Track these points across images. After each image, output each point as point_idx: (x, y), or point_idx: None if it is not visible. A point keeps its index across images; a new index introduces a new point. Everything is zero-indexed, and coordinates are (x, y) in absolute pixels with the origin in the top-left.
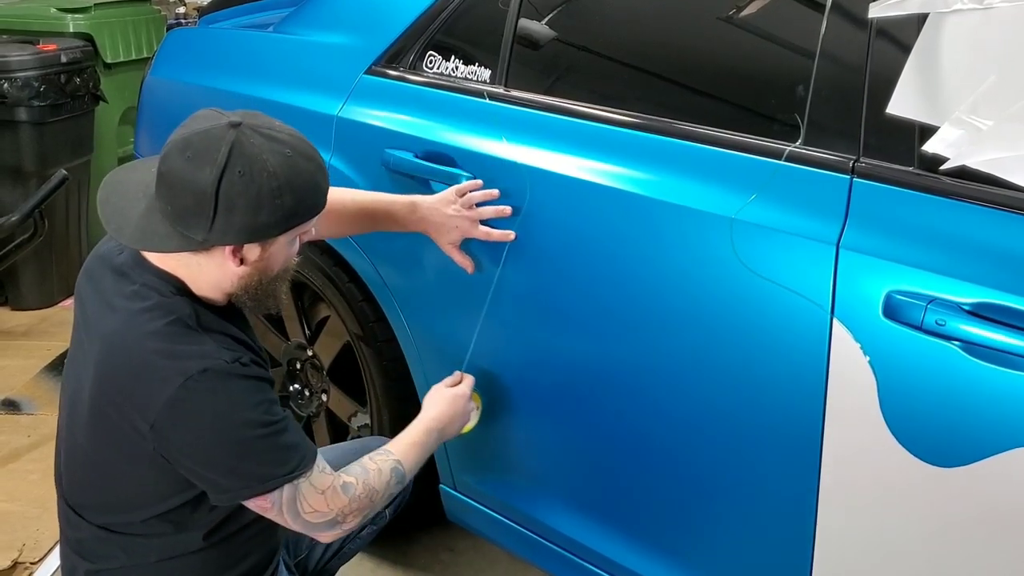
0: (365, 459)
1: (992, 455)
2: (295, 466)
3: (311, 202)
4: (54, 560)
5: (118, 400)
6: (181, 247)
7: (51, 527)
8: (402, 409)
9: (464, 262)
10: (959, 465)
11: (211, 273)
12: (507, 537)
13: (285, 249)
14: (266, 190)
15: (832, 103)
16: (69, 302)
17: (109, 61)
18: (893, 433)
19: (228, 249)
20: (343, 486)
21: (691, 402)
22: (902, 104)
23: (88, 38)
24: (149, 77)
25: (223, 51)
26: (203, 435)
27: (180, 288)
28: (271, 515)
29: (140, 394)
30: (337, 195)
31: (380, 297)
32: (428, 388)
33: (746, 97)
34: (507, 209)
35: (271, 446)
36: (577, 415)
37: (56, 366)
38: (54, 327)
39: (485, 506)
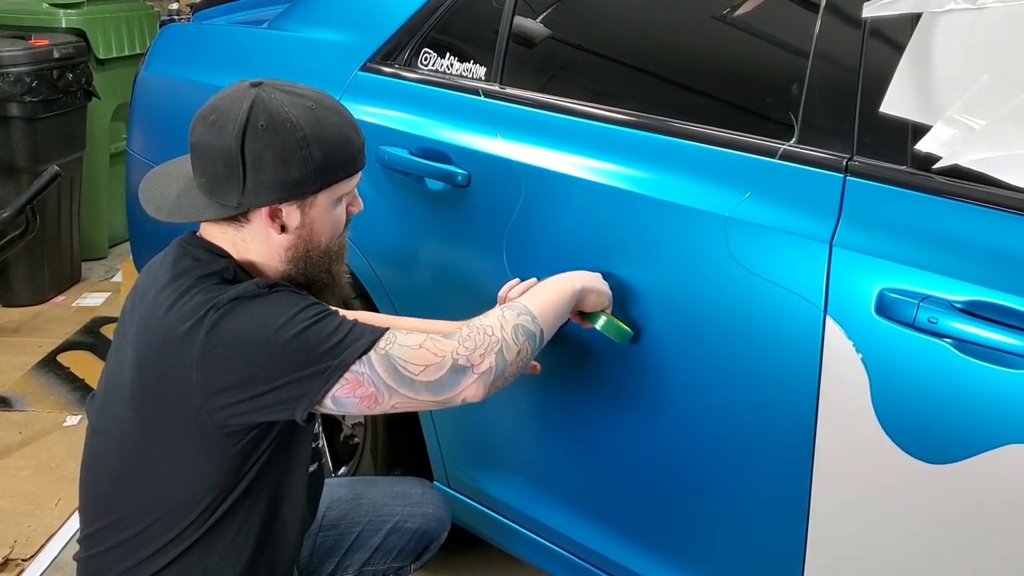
0: None
1: (983, 452)
2: (366, 338)
3: (343, 156)
4: (46, 557)
5: (158, 365)
6: (218, 214)
7: (43, 524)
8: (396, 421)
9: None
10: (951, 462)
11: (257, 248)
12: (502, 534)
13: (328, 214)
14: (291, 141)
15: (826, 102)
16: (61, 298)
17: (102, 57)
18: (885, 430)
19: (265, 213)
20: (445, 336)
21: (685, 398)
22: (895, 103)
23: (81, 34)
24: (142, 73)
25: (217, 47)
26: (250, 352)
27: (223, 254)
28: (383, 401)
29: (178, 345)
30: (386, 321)
31: (375, 295)
32: None
33: (741, 96)
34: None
35: (330, 329)
36: (571, 412)
37: (48, 362)
38: (46, 323)
39: (479, 503)
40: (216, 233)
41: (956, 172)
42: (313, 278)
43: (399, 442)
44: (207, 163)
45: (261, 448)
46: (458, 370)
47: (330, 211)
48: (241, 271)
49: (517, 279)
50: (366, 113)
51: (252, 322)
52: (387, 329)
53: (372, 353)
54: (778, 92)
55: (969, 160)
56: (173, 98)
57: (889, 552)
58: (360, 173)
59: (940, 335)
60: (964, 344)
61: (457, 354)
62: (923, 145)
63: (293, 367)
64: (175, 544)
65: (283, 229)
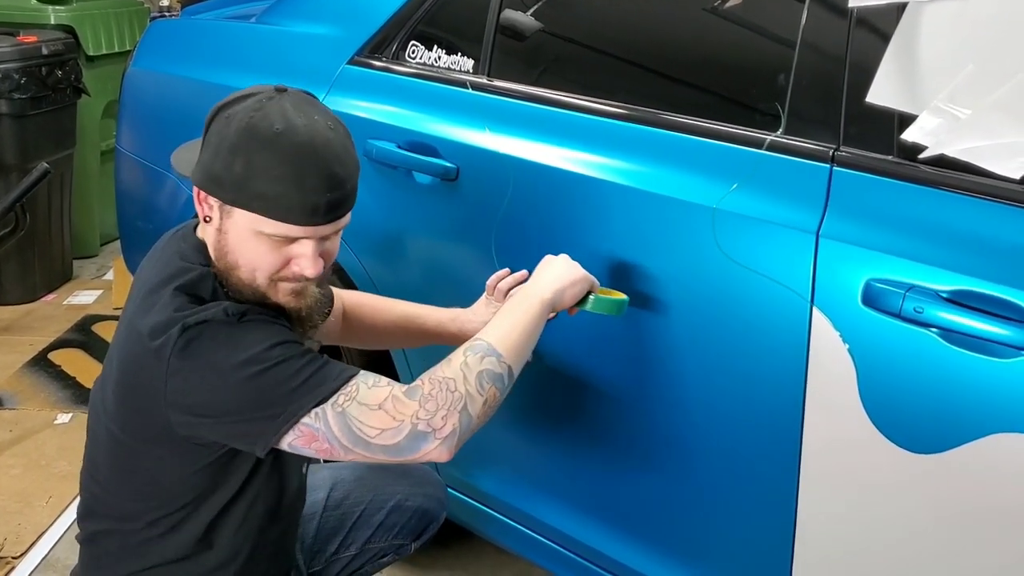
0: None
1: (970, 441)
2: (325, 386)
3: (271, 192)
4: (36, 554)
5: (135, 373)
6: (187, 168)
7: (33, 521)
8: None
9: None
10: (937, 452)
11: (207, 232)
12: (490, 527)
13: (247, 239)
14: (227, 142)
15: (812, 92)
16: (52, 296)
17: (92, 54)
18: (872, 420)
19: (196, 192)
20: (407, 392)
21: (673, 390)
22: (881, 93)
23: (70, 30)
24: (131, 69)
25: (205, 42)
26: (211, 382)
27: (206, 261)
28: (339, 456)
29: (150, 358)
30: (381, 300)
31: (361, 288)
32: (411, 378)
33: (728, 87)
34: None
35: (288, 375)
36: (558, 405)
37: (39, 360)
38: (37, 322)
39: (468, 496)
40: (204, 224)
41: (942, 162)
42: (229, 282)
43: None
44: None
45: (245, 454)
46: (418, 436)
47: (250, 238)
48: (219, 283)
49: (507, 269)
50: (354, 107)
51: (216, 352)
52: (353, 375)
53: (328, 408)
54: (765, 83)
55: (955, 149)
56: (162, 94)
57: (877, 542)
58: (301, 231)
59: (926, 325)
60: (950, 334)
61: (417, 418)
62: (909, 135)
63: (249, 407)
64: (172, 533)
65: (207, 219)
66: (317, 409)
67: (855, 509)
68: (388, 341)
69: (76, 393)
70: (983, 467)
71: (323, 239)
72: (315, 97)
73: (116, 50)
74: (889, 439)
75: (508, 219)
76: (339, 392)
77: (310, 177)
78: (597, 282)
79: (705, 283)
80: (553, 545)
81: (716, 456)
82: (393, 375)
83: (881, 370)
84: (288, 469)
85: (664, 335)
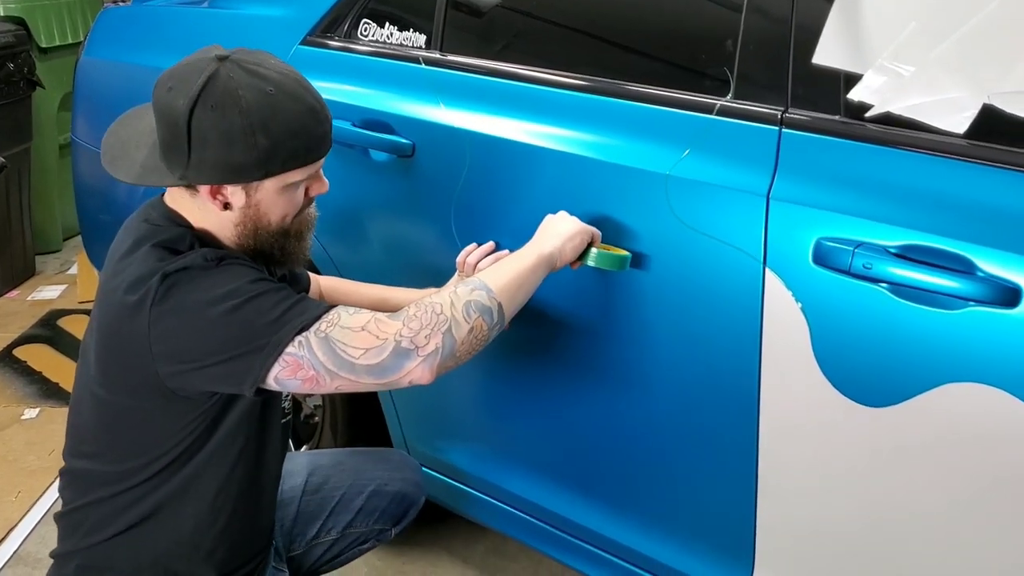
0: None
1: (921, 393)
2: (307, 315)
3: (293, 146)
4: (7, 549)
5: (117, 331)
6: (162, 181)
7: (3, 517)
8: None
9: None
10: (890, 404)
11: (209, 219)
12: (465, 503)
13: (278, 197)
14: (237, 128)
15: (760, 56)
16: (15, 293)
17: (44, 45)
18: (826, 376)
19: (206, 190)
20: (390, 315)
21: (634, 356)
22: (827, 54)
23: (20, 22)
24: (83, 58)
25: (157, 29)
26: (193, 324)
27: (184, 225)
28: (325, 384)
29: (131, 313)
30: (356, 284)
31: (325, 272)
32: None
33: (678, 54)
34: (505, 254)
35: (269, 306)
36: (523, 377)
37: (4, 357)
38: (1, 318)
39: (442, 474)
40: (177, 197)
41: (888, 119)
42: (266, 252)
43: (358, 417)
44: (161, 126)
45: (232, 407)
46: (401, 353)
47: (280, 195)
48: (198, 240)
49: (474, 244)
50: None
51: (196, 294)
52: (332, 307)
53: (311, 335)
54: (714, 48)
55: (900, 107)
56: (116, 83)
57: (836, 495)
58: (320, 160)
59: (875, 280)
60: (899, 288)
61: (400, 336)
62: (855, 94)
63: (233, 343)
64: (151, 496)
65: (227, 207)
66: (300, 337)
67: (813, 463)
68: None
69: (43, 388)
70: (935, 417)
71: None
72: (242, 47)
73: (70, 41)
74: (843, 394)
75: (466, 192)
76: (321, 319)
77: (313, 112)
78: (599, 234)
79: (662, 249)
80: (523, 515)
81: (678, 418)
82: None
83: (833, 327)
84: (269, 436)
85: (624, 303)
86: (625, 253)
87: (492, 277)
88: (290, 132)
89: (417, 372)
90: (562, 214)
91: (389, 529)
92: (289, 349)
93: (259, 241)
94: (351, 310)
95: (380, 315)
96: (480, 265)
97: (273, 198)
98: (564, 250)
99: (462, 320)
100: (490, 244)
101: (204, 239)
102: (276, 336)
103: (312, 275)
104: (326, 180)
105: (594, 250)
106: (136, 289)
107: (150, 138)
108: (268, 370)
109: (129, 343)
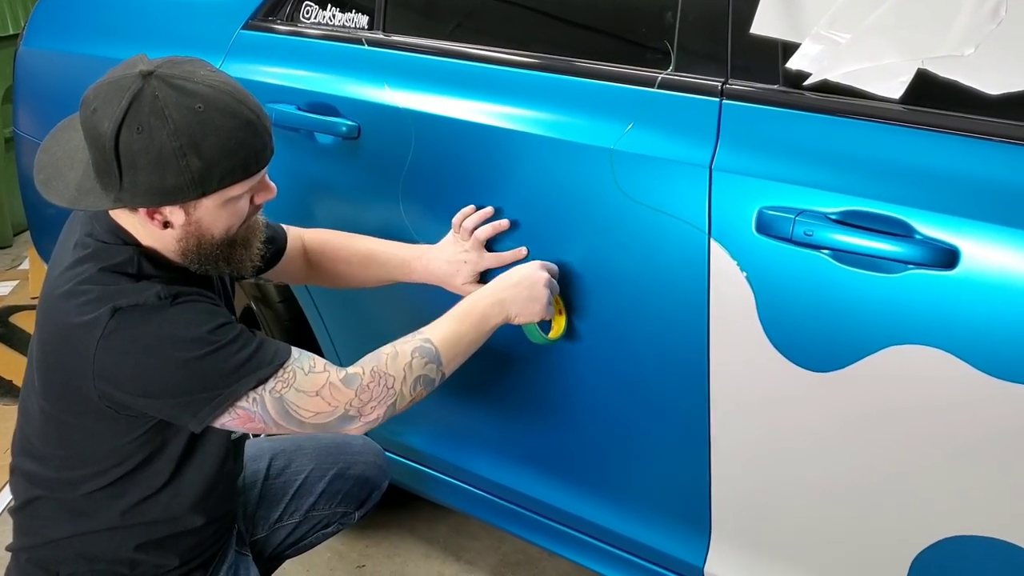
0: (387, 345)
1: (865, 356)
2: (263, 370)
3: (230, 163)
4: None
5: (59, 349)
6: (103, 205)
7: None
8: None
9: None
10: (836, 369)
11: (150, 235)
12: (426, 485)
13: (220, 212)
14: (167, 151)
15: (699, 28)
16: None
17: None
18: (773, 343)
19: (143, 212)
20: (345, 379)
21: (584, 331)
22: (765, 24)
23: None
24: (22, 49)
25: (98, 16)
26: (144, 363)
27: (127, 240)
28: (269, 431)
29: (76, 335)
30: (347, 237)
31: None
32: (331, 345)
33: (620, 27)
34: (504, 223)
35: (224, 359)
36: (476, 355)
37: None
38: None
39: (402, 457)
40: (118, 212)
41: (826, 87)
42: (208, 264)
43: None
44: (91, 149)
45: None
46: (346, 418)
47: (222, 209)
48: (146, 260)
49: (472, 206)
50: (251, 72)
51: (149, 335)
52: (289, 355)
53: (266, 394)
54: (654, 21)
55: (837, 74)
56: (56, 73)
57: (788, 462)
58: (261, 171)
59: (817, 247)
60: (840, 254)
61: (350, 406)
62: (793, 63)
63: (184, 389)
64: (104, 503)
65: (167, 225)
66: (254, 393)
67: (764, 429)
68: (354, 279)
69: None
70: (879, 380)
71: None
72: (170, 57)
73: (10, 32)
74: (790, 360)
75: (413, 173)
76: (275, 377)
77: (252, 124)
78: (552, 309)
79: (609, 224)
80: (483, 494)
81: (631, 391)
82: (312, 339)
83: (777, 294)
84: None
85: (574, 279)
86: (560, 330)
87: (447, 347)
88: (225, 151)
89: (354, 431)
90: (536, 267)
91: (352, 512)
92: (242, 403)
93: (203, 254)
94: (307, 364)
95: (335, 377)
96: (477, 233)
97: (215, 213)
98: (520, 315)
99: (408, 395)
100: (489, 210)
101: (151, 257)
102: (229, 389)
103: (297, 230)
104: (272, 185)
105: (539, 331)
106: (82, 312)
107: (83, 155)
108: (216, 418)
109: (71, 366)
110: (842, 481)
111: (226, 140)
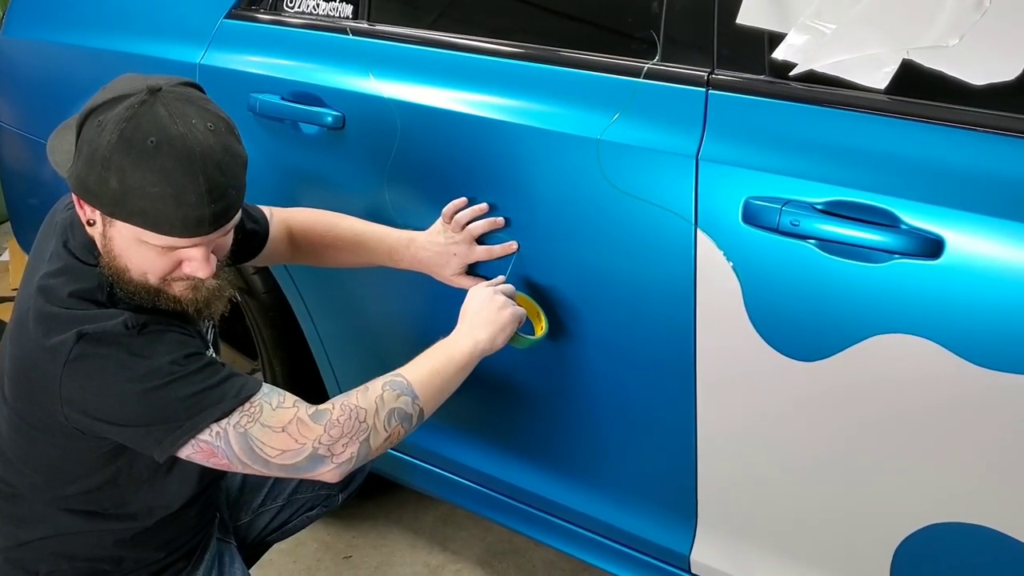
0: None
1: (851, 345)
2: (226, 403)
3: (141, 207)
4: None
5: (28, 368)
6: (62, 170)
7: None
8: (292, 358)
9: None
10: (822, 358)
11: (94, 233)
12: (412, 475)
13: (132, 248)
14: (99, 155)
15: (685, 17)
16: None
17: None
18: (759, 332)
19: (74, 196)
20: (313, 415)
21: (571, 322)
22: (751, 14)
23: None
24: (1, 38)
25: (78, 4)
26: (106, 391)
27: (98, 257)
28: (234, 469)
29: (44, 356)
30: (335, 220)
31: None
32: (315, 332)
33: (606, 17)
34: (500, 221)
35: (183, 388)
36: None
37: None
38: None
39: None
40: (88, 225)
41: (812, 77)
42: (142, 299)
43: (297, 382)
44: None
45: None
46: (316, 459)
47: (135, 246)
48: (117, 286)
49: (464, 199)
50: (234, 61)
51: (111, 363)
52: (257, 390)
53: (230, 428)
54: (640, 11)
55: (823, 64)
56: (38, 62)
57: (774, 451)
58: (187, 242)
59: (803, 237)
60: (826, 243)
61: (319, 443)
62: (779, 53)
63: (147, 419)
64: (80, 512)
65: (90, 224)
66: (217, 428)
67: (750, 419)
68: (340, 263)
69: None
70: (865, 369)
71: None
72: (196, 87)
73: None
74: (776, 349)
75: (398, 163)
76: (240, 411)
77: (190, 193)
78: (523, 315)
79: (595, 214)
80: (469, 484)
81: (617, 380)
82: (297, 329)
83: (764, 284)
84: None
85: (561, 270)
86: (543, 331)
87: (421, 381)
88: (148, 195)
89: (328, 475)
90: (489, 295)
91: (336, 494)
92: (204, 436)
93: (123, 284)
94: (275, 400)
95: (303, 413)
96: (471, 228)
97: (127, 244)
98: (496, 342)
99: (382, 429)
100: (483, 206)
101: (116, 282)
102: (191, 421)
103: (283, 211)
104: (209, 263)
105: (523, 336)
106: (50, 331)
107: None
108: (179, 449)
109: (40, 382)
110: (827, 469)
111: (150, 186)
